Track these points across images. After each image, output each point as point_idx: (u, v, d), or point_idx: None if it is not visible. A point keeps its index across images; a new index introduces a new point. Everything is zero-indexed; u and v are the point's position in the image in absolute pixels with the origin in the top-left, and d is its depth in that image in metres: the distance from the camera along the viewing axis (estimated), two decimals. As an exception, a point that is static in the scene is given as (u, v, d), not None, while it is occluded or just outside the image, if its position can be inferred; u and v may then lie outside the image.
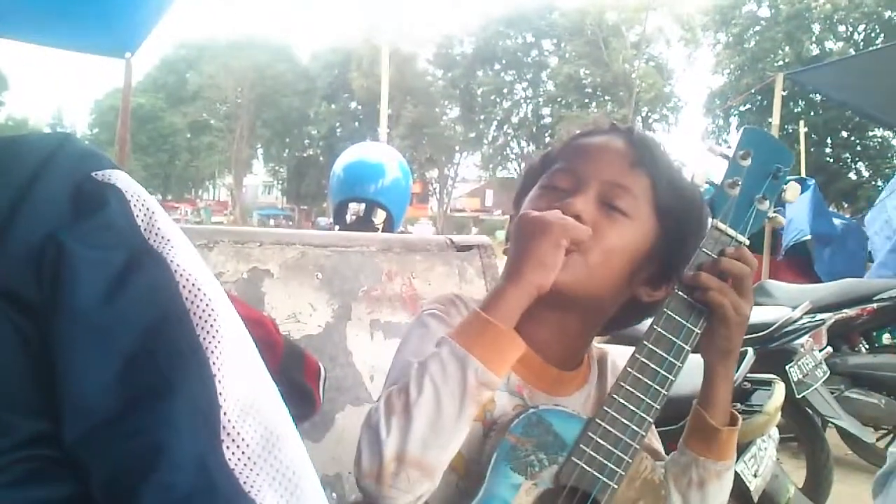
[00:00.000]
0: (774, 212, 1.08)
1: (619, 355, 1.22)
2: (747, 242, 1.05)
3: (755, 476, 2.22)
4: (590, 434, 0.97)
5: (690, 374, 1.04)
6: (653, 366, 0.99)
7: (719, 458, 1.07)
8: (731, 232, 1.04)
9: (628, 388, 0.98)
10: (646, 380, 0.99)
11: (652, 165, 1.10)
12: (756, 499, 2.25)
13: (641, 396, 0.98)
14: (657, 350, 1.00)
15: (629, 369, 0.99)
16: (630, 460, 0.98)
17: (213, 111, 49.91)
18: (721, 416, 1.07)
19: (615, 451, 0.97)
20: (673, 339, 1.00)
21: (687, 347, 1.01)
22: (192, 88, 48.12)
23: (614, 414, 0.98)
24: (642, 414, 0.98)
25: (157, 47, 47.20)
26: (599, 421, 0.97)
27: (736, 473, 2.22)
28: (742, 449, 2.19)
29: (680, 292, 1.02)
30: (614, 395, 0.99)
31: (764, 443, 2.26)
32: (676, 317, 1.01)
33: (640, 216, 1.08)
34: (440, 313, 1.10)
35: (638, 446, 0.98)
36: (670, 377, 0.99)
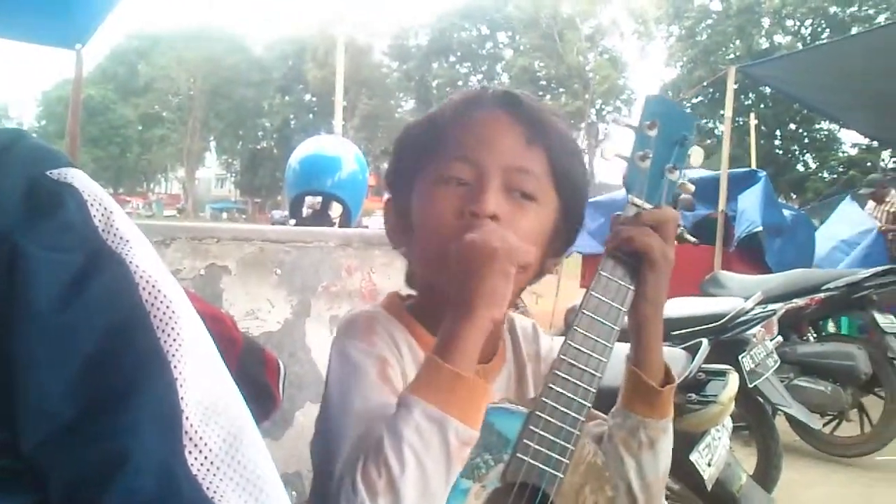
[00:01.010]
0: (683, 180, 1.07)
1: (522, 317, 1.23)
2: None
3: (709, 465, 2.26)
4: (531, 428, 0.96)
5: (617, 366, 1.05)
6: (585, 350, 0.98)
7: (663, 416, 1.07)
8: (648, 206, 1.04)
9: (564, 375, 0.97)
10: (580, 366, 0.98)
11: (545, 137, 1.08)
12: (710, 487, 2.29)
13: (577, 383, 0.97)
14: (589, 335, 0.99)
15: (563, 357, 0.98)
16: (573, 448, 0.97)
17: (164, 103, 49.10)
18: (657, 373, 1.07)
19: (558, 441, 0.96)
20: (602, 321, 1.00)
21: (615, 328, 1.00)
22: (144, 80, 47.22)
23: (553, 404, 0.96)
24: (580, 400, 0.97)
25: (107, 38, 46.15)
26: (540, 413, 0.96)
27: (690, 463, 2.28)
28: (696, 439, 2.22)
29: (603, 273, 1.01)
30: (551, 385, 0.97)
31: (718, 432, 2.30)
32: (602, 298, 1.01)
33: (545, 194, 1.07)
34: (366, 346, 1.04)
35: (579, 433, 0.97)
36: (603, 359, 0.99)
